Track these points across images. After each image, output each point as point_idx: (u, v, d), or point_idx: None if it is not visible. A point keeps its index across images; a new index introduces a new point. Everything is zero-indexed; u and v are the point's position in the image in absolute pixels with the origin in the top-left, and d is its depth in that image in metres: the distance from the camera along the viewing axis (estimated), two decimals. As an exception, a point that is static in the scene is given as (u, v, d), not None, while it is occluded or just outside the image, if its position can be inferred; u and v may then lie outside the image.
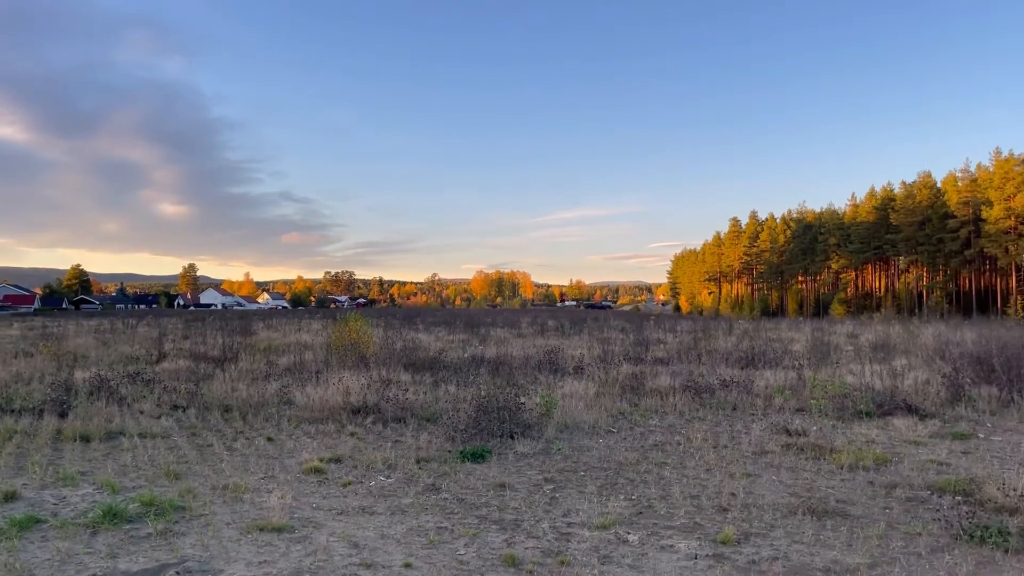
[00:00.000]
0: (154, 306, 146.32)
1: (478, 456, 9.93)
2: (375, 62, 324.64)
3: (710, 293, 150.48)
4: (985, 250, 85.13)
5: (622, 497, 8.07)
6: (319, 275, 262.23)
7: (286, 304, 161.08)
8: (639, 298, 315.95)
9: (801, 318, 77.44)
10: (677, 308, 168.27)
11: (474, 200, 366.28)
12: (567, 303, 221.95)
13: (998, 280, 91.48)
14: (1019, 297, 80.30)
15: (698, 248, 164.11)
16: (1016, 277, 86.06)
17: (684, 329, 39.74)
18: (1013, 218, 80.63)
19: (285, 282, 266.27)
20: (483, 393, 11.77)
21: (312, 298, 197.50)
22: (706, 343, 27.96)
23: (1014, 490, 7.57)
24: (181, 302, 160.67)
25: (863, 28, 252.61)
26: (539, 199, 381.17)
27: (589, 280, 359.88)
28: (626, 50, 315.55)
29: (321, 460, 9.65)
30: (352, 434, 11.61)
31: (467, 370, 18.36)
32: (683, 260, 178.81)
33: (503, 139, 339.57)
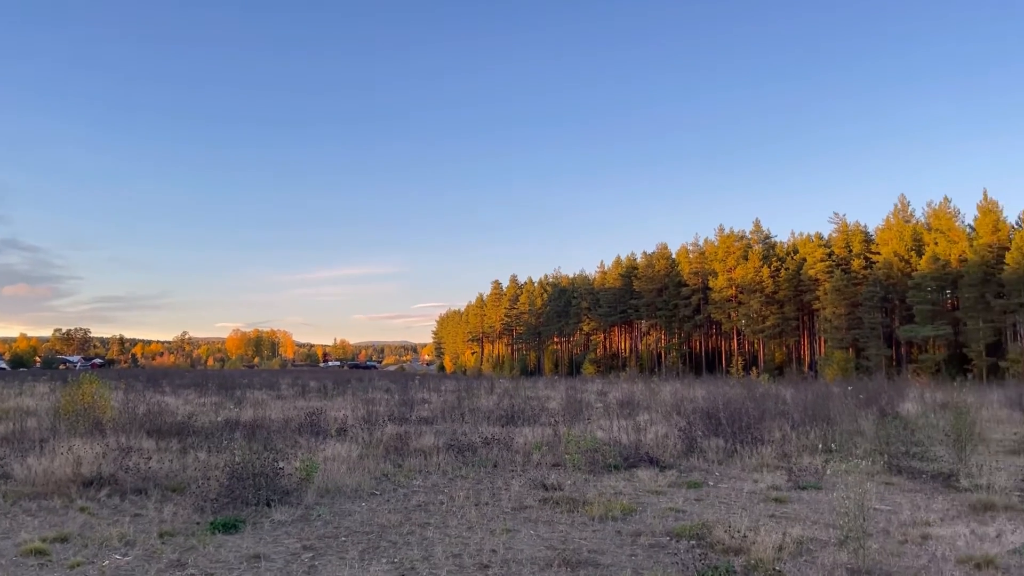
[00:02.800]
0: None
1: (230, 527, 9.27)
2: (121, 108, 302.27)
3: (473, 353, 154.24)
4: (712, 315, 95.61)
5: (384, 560, 7.91)
6: (47, 332, 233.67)
7: (4, 365, 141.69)
8: (404, 358, 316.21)
9: (556, 377, 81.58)
10: (442, 368, 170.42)
11: (231, 255, 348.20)
12: (331, 363, 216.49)
13: (722, 342, 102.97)
14: (739, 358, 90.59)
15: (462, 309, 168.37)
16: (737, 340, 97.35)
17: (448, 388, 40.26)
18: (734, 288, 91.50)
19: (4, 340, 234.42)
20: (237, 459, 11.08)
21: (38, 358, 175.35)
22: (469, 402, 28.50)
23: (738, 532, 8.43)
24: None
25: (602, 106, 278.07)
26: (300, 256, 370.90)
27: (354, 340, 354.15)
28: (378, 111, 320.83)
29: (44, 540, 8.50)
30: (83, 509, 10.36)
31: (220, 435, 17.19)
32: (448, 320, 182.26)
33: (262, 195, 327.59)
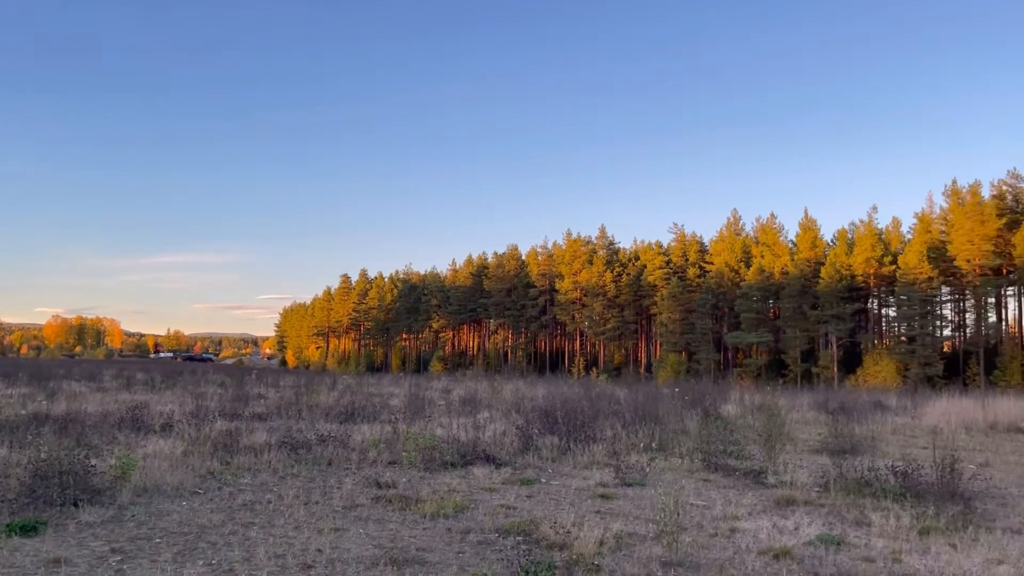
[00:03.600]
0: None
1: (30, 529, 8.54)
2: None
3: (318, 348, 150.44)
4: (557, 317, 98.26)
5: (201, 563, 7.55)
6: None
7: None
8: (244, 351, 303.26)
9: (403, 374, 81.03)
10: (284, 362, 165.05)
11: (53, 235, 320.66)
12: (162, 354, 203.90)
13: (566, 343, 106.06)
14: (580, 359, 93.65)
15: (308, 302, 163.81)
16: (580, 341, 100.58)
17: (288, 383, 39.06)
18: (579, 290, 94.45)
19: None
20: (43, 455, 10.24)
21: None
22: (308, 398, 27.76)
23: (563, 528, 8.70)
24: None
25: (457, 105, 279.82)
26: (133, 239, 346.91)
27: (191, 331, 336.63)
28: (228, 96, 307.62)
29: None
30: None
31: (26, 429, 15.81)
32: (292, 313, 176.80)
33: (85, 171, 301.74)
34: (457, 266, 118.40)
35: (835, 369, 73.04)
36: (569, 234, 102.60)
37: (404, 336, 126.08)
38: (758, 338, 77.93)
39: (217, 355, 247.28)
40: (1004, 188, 76.21)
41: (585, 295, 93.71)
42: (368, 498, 11.02)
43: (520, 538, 8.77)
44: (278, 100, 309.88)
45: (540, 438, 16.73)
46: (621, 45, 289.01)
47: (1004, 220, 70.22)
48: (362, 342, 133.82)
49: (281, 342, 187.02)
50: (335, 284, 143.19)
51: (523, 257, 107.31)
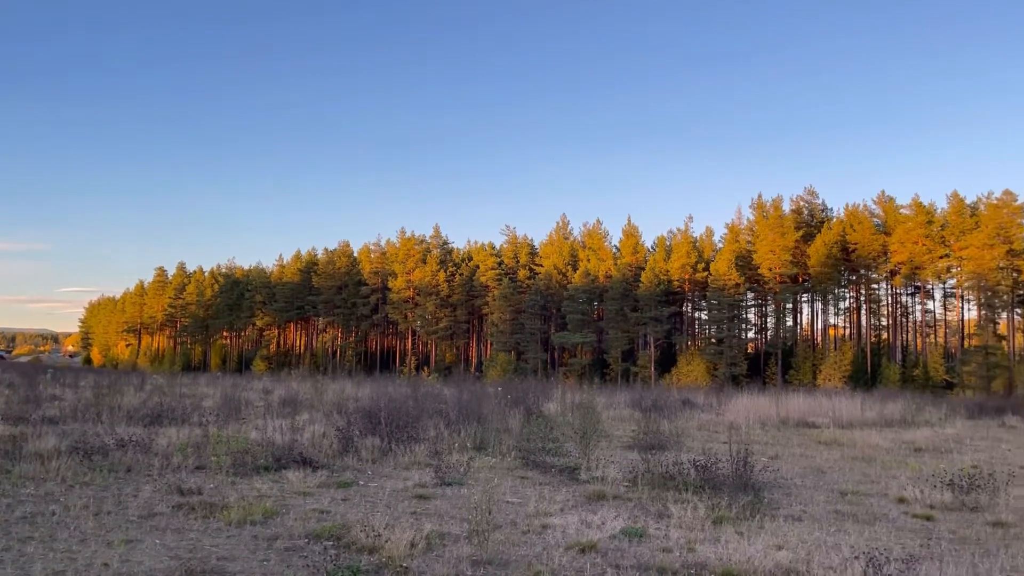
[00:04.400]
0: None
1: None
2: None
3: (128, 345, 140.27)
4: (389, 315, 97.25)
5: (-39, 586, 6.76)
6: None
7: None
8: (43, 348, 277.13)
9: (222, 373, 77.14)
10: (88, 360, 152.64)
11: None
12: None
13: (398, 343, 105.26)
14: (412, 358, 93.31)
15: (118, 296, 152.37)
16: (412, 340, 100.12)
17: (89, 384, 36.03)
18: (412, 289, 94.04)
19: None
20: None
21: None
22: (111, 399, 25.72)
23: (374, 531, 8.55)
24: None
25: (286, 103, 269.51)
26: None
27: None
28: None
29: None
30: None
31: None
32: (99, 308, 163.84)
33: None
34: (285, 262, 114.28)
35: (652, 368, 77.26)
36: (403, 232, 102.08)
37: (225, 334, 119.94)
38: (583, 338, 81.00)
39: (10, 352, 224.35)
40: (802, 203, 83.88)
41: (418, 294, 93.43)
42: (168, 506, 10.32)
43: (330, 543, 8.53)
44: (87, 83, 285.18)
45: (361, 439, 16.41)
46: (451, 42, 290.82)
47: (801, 233, 77.27)
48: (178, 340, 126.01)
49: (86, 338, 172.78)
50: (149, 278, 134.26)
51: (355, 254, 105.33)
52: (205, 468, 13.38)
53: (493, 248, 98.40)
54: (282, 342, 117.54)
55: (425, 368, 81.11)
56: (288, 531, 9.14)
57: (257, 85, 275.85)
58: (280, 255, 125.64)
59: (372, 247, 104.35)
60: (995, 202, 66.69)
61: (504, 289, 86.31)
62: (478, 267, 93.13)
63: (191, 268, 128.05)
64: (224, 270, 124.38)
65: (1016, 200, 65.49)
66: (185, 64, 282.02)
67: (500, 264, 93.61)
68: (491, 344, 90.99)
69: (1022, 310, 69.22)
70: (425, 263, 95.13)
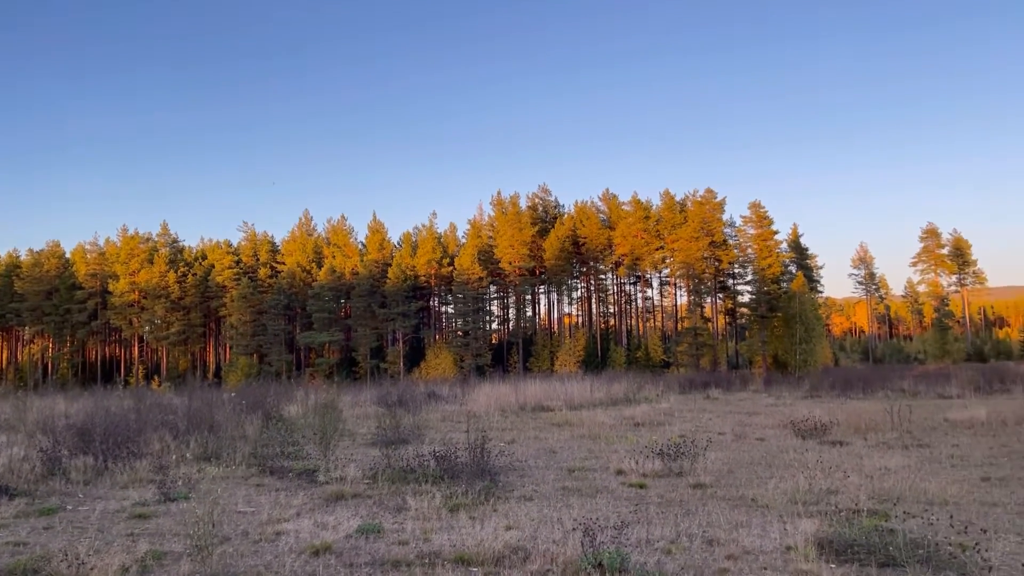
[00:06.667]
0: None
1: None
2: None
3: None
4: (111, 321, 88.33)
5: None
6: None
7: None
8: None
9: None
10: None
11: None
12: None
13: (123, 351, 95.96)
14: (140, 367, 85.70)
15: None
16: (139, 347, 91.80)
17: None
18: (137, 292, 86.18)
19: None
20: None
21: None
22: None
23: (78, 558, 7.68)
24: None
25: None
26: None
27: None
28: None
29: None
30: None
31: None
32: None
33: None
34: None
35: (402, 364, 77.69)
36: (125, 230, 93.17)
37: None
38: (330, 337, 79.34)
39: None
40: (537, 200, 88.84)
41: (145, 297, 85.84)
42: None
43: (24, 579, 7.54)
44: None
45: (71, 460, 14.72)
46: (189, 40, 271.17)
47: (537, 228, 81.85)
48: None
49: None
50: None
51: (67, 255, 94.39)
52: None
53: (230, 246, 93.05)
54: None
55: (155, 377, 75.04)
56: (-30, 573, 7.94)
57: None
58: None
59: (88, 246, 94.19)
60: (699, 199, 75.14)
61: (243, 289, 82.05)
62: (213, 266, 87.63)
63: None
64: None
65: (716, 197, 74.25)
66: None
67: (238, 263, 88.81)
68: (231, 348, 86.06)
69: (723, 295, 78.81)
70: (152, 263, 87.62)
